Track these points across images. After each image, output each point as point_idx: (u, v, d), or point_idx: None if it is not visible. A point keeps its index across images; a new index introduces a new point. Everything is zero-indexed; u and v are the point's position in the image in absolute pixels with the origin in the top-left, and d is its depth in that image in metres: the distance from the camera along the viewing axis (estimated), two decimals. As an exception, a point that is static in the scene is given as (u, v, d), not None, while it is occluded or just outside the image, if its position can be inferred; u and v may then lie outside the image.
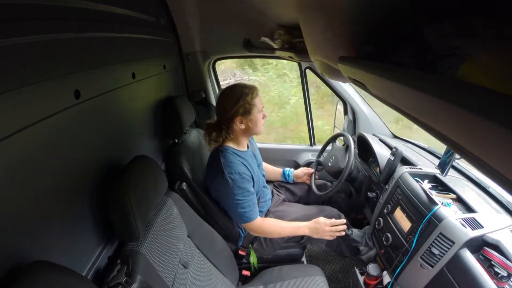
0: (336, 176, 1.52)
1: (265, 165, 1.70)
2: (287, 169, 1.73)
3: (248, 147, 1.42)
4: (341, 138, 1.73)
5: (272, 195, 1.65)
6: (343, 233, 1.32)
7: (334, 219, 1.33)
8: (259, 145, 1.74)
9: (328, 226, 1.30)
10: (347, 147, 1.61)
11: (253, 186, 1.31)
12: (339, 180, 1.45)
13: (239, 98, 1.24)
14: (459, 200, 1.07)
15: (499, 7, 0.24)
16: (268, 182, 1.81)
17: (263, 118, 1.33)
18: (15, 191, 0.58)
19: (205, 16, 1.70)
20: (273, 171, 1.75)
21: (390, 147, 1.53)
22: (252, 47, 1.79)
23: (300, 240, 1.46)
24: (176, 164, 1.38)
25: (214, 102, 2.03)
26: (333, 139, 1.71)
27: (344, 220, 1.33)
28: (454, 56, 0.31)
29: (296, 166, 2.10)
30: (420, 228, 0.99)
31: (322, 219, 1.31)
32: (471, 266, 0.82)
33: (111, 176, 0.89)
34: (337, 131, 1.98)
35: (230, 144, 1.32)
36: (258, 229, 1.31)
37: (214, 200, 1.40)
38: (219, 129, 1.30)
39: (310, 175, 1.67)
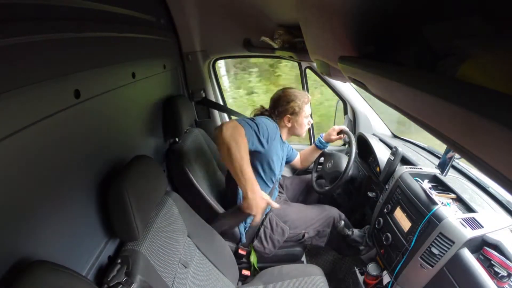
0: (334, 180, 1.52)
1: (303, 152, 1.82)
2: (317, 141, 1.75)
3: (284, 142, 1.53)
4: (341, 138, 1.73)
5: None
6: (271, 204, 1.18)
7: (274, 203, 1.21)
8: None
9: (263, 204, 1.14)
10: (344, 144, 1.61)
11: (272, 162, 1.37)
12: (340, 177, 1.45)
13: (293, 99, 1.42)
14: (459, 200, 1.07)
15: (499, 7, 0.24)
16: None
17: (308, 123, 1.51)
18: (15, 191, 0.58)
19: (205, 16, 1.70)
20: (310, 151, 1.78)
21: (390, 147, 1.53)
22: (252, 46, 1.79)
23: (301, 239, 1.46)
24: (176, 164, 1.38)
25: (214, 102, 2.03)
26: (344, 132, 1.71)
27: (276, 205, 1.20)
28: (454, 56, 0.31)
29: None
30: (420, 227, 0.99)
31: (265, 200, 1.14)
32: (471, 266, 0.82)
33: (111, 175, 0.89)
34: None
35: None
36: (233, 128, 1.12)
37: (216, 199, 1.41)
38: (268, 115, 1.46)
39: (339, 132, 1.68)
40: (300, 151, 1.82)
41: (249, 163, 1.13)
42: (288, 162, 1.76)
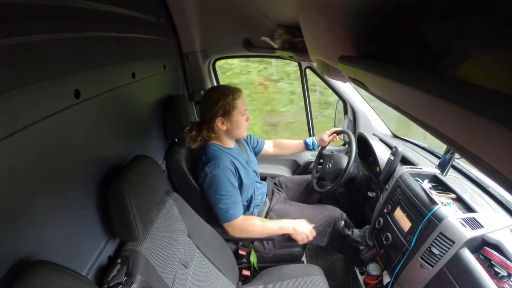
0: (335, 179, 1.52)
1: (285, 141, 1.75)
2: (309, 139, 1.72)
3: (233, 146, 1.42)
4: (341, 137, 1.73)
5: (273, 193, 1.65)
6: (311, 237, 1.35)
7: (314, 225, 1.36)
8: None
9: (307, 231, 1.33)
10: (344, 144, 1.61)
11: (241, 180, 1.32)
12: (342, 175, 1.45)
13: (219, 98, 1.25)
14: (459, 200, 1.07)
15: (499, 7, 0.24)
16: (270, 178, 1.82)
17: (246, 120, 1.35)
18: (15, 191, 0.58)
19: (205, 16, 1.70)
20: (294, 145, 1.74)
21: (390, 147, 1.53)
22: (252, 46, 1.79)
23: None
24: (176, 164, 1.38)
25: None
26: (340, 132, 1.71)
27: (314, 233, 1.35)
28: (454, 56, 0.31)
29: (296, 165, 2.10)
30: (420, 227, 0.99)
31: (306, 222, 1.35)
32: (471, 265, 0.82)
33: (111, 175, 0.89)
34: None
35: (214, 141, 1.35)
36: (239, 227, 1.29)
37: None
38: (199, 129, 1.33)
39: (333, 133, 1.67)
40: (279, 140, 1.76)
41: (265, 224, 1.32)
42: (256, 154, 1.67)
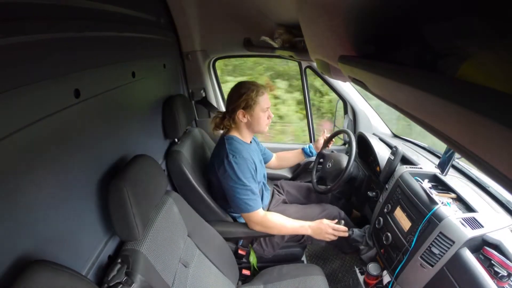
0: (335, 178, 1.52)
1: (282, 153, 1.79)
2: (305, 146, 1.75)
3: (251, 142, 1.45)
4: (341, 136, 1.73)
5: (272, 195, 1.65)
6: (343, 234, 1.32)
7: (336, 220, 1.34)
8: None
9: (330, 228, 1.31)
10: (344, 144, 1.61)
11: (256, 174, 1.33)
12: (341, 176, 1.45)
13: (244, 92, 1.32)
14: (459, 199, 1.07)
15: (499, 7, 0.24)
16: (270, 180, 1.82)
17: (268, 118, 1.38)
18: (15, 191, 0.58)
19: (205, 16, 1.70)
20: (293, 155, 1.78)
21: (390, 147, 1.53)
22: (252, 46, 1.79)
23: (300, 240, 1.46)
24: (176, 163, 1.38)
25: (214, 102, 2.03)
26: (334, 135, 1.71)
27: (345, 228, 1.33)
28: (454, 55, 0.31)
29: (296, 165, 2.10)
30: (420, 227, 0.99)
31: (325, 221, 1.33)
32: (471, 265, 0.82)
33: (111, 175, 0.89)
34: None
35: (235, 134, 1.38)
36: (260, 222, 1.30)
37: (215, 197, 1.41)
38: (223, 117, 1.39)
39: (327, 138, 1.71)
40: (280, 152, 1.81)
41: (285, 221, 1.33)
42: (264, 163, 1.70)
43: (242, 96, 1.31)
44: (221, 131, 1.44)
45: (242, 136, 1.40)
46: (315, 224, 1.33)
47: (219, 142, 1.41)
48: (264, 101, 1.35)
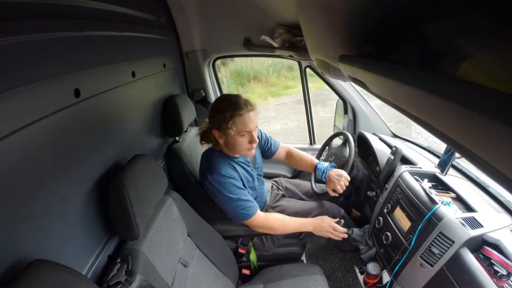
0: None
1: (296, 153, 1.58)
2: (324, 164, 1.46)
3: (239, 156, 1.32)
4: (341, 137, 1.73)
5: (271, 191, 1.64)
6: (342, 236, 1.32)
7: (337, 219, 1.33)
8: None
9: (331, 227, 1.30)
10: (345, 141, 1.61)
11: (252, 181, 1.31)
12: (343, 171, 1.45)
13: (219, 110, 1.15)
14: (459, 199, 1.07)
15: (499, 7, 0.24)
16: (270, 178, 1.81)
17: (249, 142, 1.19)
18: (15, 190, 0.58)
19: (205, 15, 1.70)
20: (305, 164, 1.54)
21: (390, 146, 1.53)
22: (252, 45, 1.79)
23: (300, 236, 1.45)
24: (176, 163, 1.38)
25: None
26: (332, 137, 1.71)
27: (344, 229, 1.32)
28: (454, 55, 0.31)
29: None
30: (419, 227, 0.99)
31: (327, 218, 1.32)
32: (470, 265, 0.82)
33: (111, 175, 0.89)
34: (338, 130, 1.98)
35: (218, 147, 1.27)
36: (262, 225, 1.28)
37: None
38: (208, 131, 1.27)
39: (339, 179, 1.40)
40: (293, 150, 1.60)
41: (286, 221, 1.31)
42: (266, 158, 1.56)
43: (216, 116, 1.15)
44: (209, 145, 1.29)
45: (226, 152, 1.26)
46: (316, 220, 1.32)
47: (202, 155, 1.33)
48: (243, 123, 1.13)
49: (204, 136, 1.28)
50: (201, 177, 1.31)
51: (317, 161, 1.51)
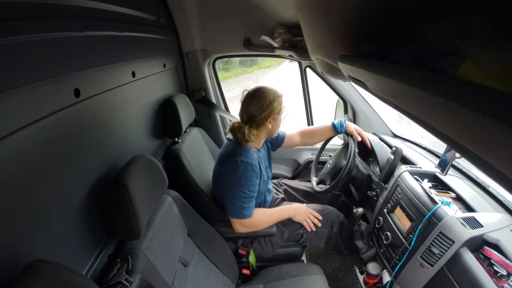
0: (336, 175, 1.52)
1: (308, 129, 1.68)
2: (336, 121, 1.58)
3: (261, 147, 1.43)
4: (341, 136, 1.72)
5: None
6: (315, 222, 1.41)
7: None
8: None
9: (308, 213, 1.41)
10: (346, 145, 1.60)
11: (259, 185, 1.32)
12: (339, 176, 1.45)
13: (274, 99, 1.27)
14: (459, 199, 1.07)
15: (499, 7, 0.24)
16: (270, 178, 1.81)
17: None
18: (15, 190, 0.58)
19: (205, 15, 1.70)
20: (321, 131, 1.62)
21: (390, 146, 1.52)
22: (252, 46, 1.79)
23: (299, 240, 1.46)
24: (176, 163, 1.38)
25: (214, 101, 2.02)
26: (330, 138, 1.71)
27: (320, 217, 1.42)
28: (454, 55, 0.31)
29: (296, 165, 2.10)
30: (420, 227, 0.99)
31: (305, 206, 1.45)
32: (470, 265, 0.82)
33: (110, 175, 0.89)
34: None
35: (250, 144, 1.29)
36: (249, 225, 1.30)
37: (215, 197, 1.41)
38: (242, 126, 1.29)
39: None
40: (304, 129, 1.67)
41: (267, 213, 1.37)
42: (275, 149, 1.61)
43: (274, 103, 1.26)
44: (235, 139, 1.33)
45: (257, 143, 1.33)
46: (296, 206, 1.43)
47: (228, 144, 1.37)
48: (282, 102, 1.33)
49: (237, 132, 1.30)
50: (225, 159, 1.32)
51: (329, 123, 1.62)
